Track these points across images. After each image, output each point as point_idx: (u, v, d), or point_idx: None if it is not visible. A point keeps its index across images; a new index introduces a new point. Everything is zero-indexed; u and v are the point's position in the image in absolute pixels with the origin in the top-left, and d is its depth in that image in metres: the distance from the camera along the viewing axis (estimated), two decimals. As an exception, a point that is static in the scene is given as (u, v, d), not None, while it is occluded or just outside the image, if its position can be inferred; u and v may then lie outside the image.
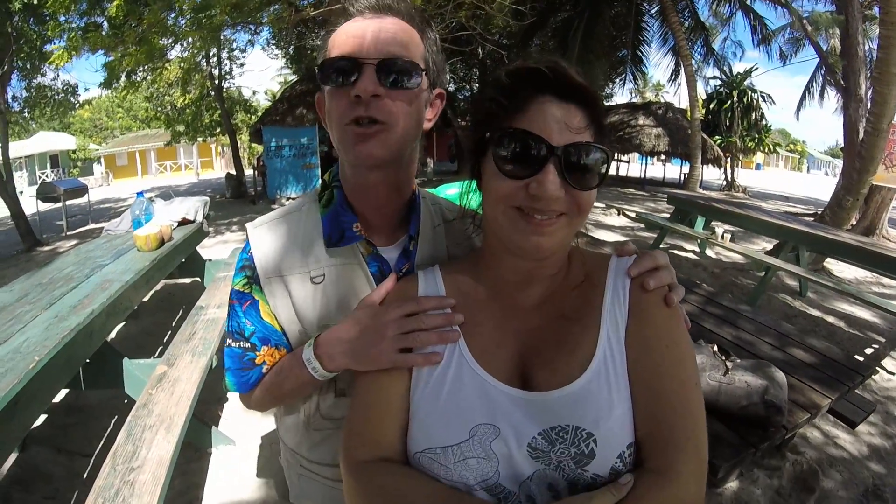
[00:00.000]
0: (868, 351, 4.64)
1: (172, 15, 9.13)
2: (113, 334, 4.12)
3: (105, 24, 9.96)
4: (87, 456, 2.82)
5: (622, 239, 8.74)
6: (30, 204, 11.23)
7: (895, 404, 3.68)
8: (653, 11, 18.84)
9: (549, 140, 0.68)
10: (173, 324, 4.65)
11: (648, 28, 19.42)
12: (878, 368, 4.20)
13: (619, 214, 10.78)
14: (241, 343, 0.93)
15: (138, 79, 12.73)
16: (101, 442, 2.92)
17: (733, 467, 1.82)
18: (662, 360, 0.74)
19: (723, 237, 6.79)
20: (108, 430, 3.02)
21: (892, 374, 4.15)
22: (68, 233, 10.57)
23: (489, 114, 0.76)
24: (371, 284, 0.93)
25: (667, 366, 0.73)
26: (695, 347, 2.11)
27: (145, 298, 4.45)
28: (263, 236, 0.96)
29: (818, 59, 15.90)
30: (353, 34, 0.83)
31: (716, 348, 2.15)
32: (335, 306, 0.92)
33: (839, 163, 22.15)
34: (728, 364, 2.04)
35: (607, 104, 23.31)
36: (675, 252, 7.71)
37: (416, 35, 0.87)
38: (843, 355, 2.67)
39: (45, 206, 11.81)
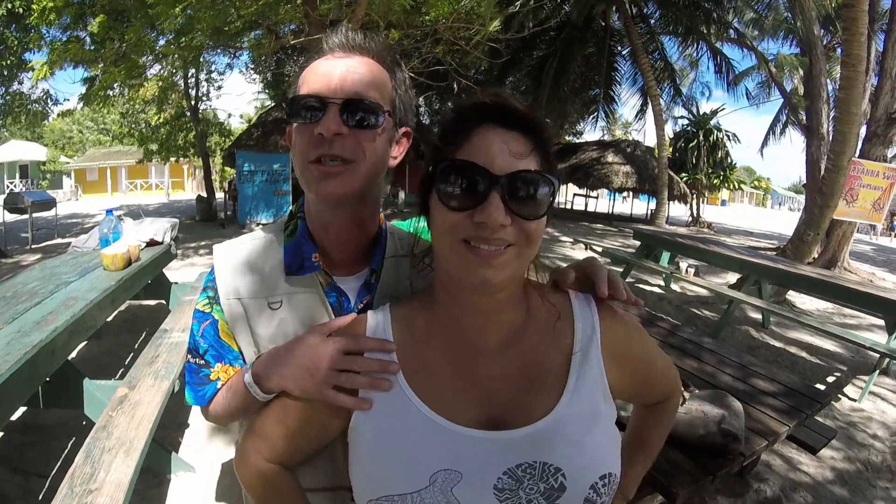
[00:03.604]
0: (830, 379, 4.75)
1: (154, 34, 9.09)
2: (74, 353, 4.02)
3: (88, 39, 9.88)
4: (44, 477, 2.73)
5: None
6: (-4, 214, 10.95)
7: (857, 430, 3.78)
8: (624, 53, 19.45)
9: (490, 169, 0.67)
10: (136, 346, 4.54)
11: (620, 68, 20.01)
12: (839, 396, 4.31)
13: (586, 249, 10.93)
14: (198, 360, 0.95)
15: (115, 94, 12.55)
16: (59, 463, 2.83)
17: (692, 494, 1.84)
18: (644, 353, 0.91)
19: (686, 271, 6.94)
20: (66, 450, 2.94)
21: (854, 400, 4.26)
22: (33, 246, 10.25)
23: (434, 148, 0.75)
24: (329, 314, 0.94)
25: (647, 353, 0.92)
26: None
27: (109, 318, 4.35)
28: (228, 259, 0.98)
29: (783, 100, 16.52)
30: (322, 73, 0.86)
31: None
32: (291, 332, 0.94)
33: (802, 198, 22.83)
34: (686, 395, 2.08)
35: (577, 141, 23.83)
36: (641, 286, 7.82)
37: (385, 75, 0.90)
38: (802, 384, 2.73)
39: (11, 217, 11.47)
